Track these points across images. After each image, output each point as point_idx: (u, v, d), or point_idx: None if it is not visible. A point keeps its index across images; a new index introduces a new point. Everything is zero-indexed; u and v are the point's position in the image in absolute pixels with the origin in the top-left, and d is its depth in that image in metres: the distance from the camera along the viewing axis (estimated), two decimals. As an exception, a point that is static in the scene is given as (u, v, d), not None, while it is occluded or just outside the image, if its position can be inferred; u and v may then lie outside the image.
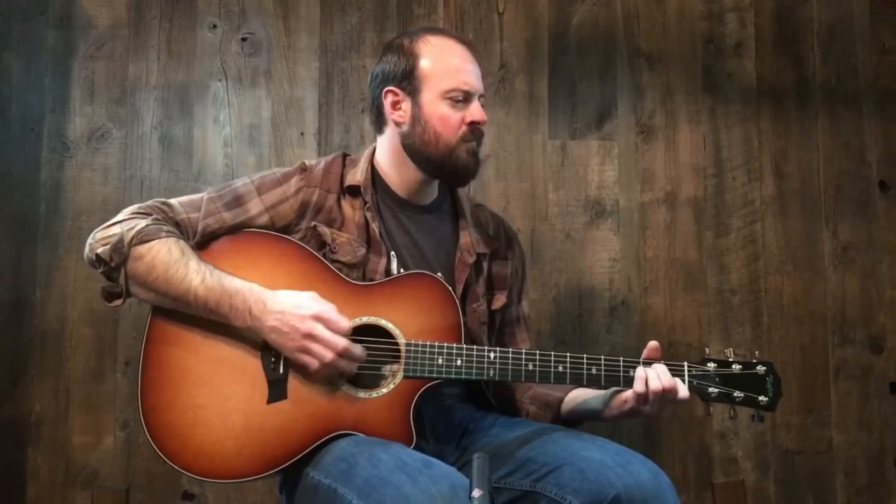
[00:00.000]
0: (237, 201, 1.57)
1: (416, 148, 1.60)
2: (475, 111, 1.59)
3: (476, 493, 1.12)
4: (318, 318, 1.40)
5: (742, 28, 2.47)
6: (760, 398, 1.49)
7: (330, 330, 1.40)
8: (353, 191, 1.62)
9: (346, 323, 1.42)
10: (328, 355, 1.40)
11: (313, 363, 1.41)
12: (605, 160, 2.41)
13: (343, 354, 1.41)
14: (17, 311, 2.24)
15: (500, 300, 1.73)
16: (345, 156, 1.69)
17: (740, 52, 2.46)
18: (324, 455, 1.39)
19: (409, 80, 1.59)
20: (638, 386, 1.44)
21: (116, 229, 1.47)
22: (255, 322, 1.42)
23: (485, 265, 1.71)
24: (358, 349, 1.43)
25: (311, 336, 1.40)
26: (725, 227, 2.41)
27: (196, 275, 1.44)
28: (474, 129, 1.60)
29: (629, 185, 2.40)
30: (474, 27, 2.42)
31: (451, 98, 1.57)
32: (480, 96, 1.62)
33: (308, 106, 2.37)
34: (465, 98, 1.58)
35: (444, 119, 1.57)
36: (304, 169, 1.63)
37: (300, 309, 1.41)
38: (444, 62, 1.58)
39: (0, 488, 2.19)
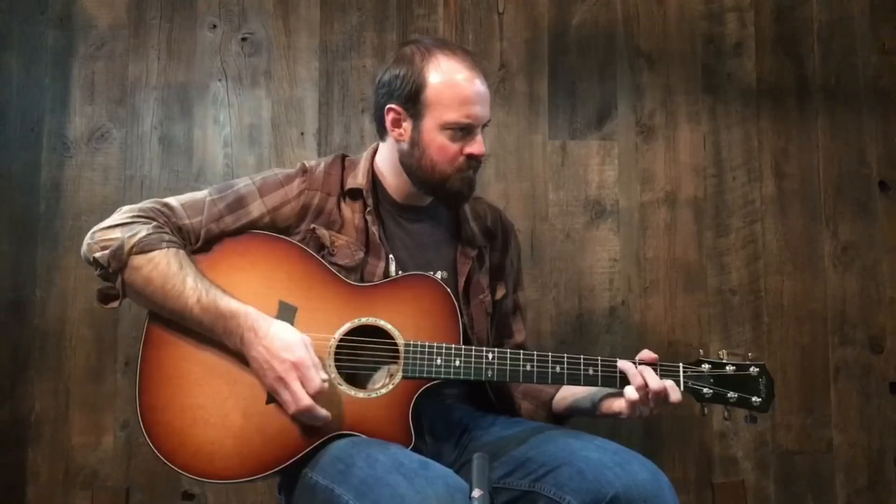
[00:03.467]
0: (239, 202, 1.57)
1: (412, 169, 1.60)
2: (475, 145, 1.56)
3: (476, 492, 1.12)
4: (295, 367, 1.39)
5: (742, 28, 2.46)
6: (753, 399, 1.50)
7: (302, 383, 1.38)
8: (354, 194, 1.62)
9: (318, 382, 1.39)
10: (292, 407, 1.39)
11: (282, 404, 1.42)
12: (605, 160, 2.41)
13: (305, 413, 1.39)
14: (17, 311, 2.24)
15: (500, 291, 1.75)
16: (343, 157, 1.69)
17: (740, 52, 2.45)
18: (322, 455, 1.39)
19: (412, 103, 1.56)
20: (629, 395, 1.45)
21: (117, 233, 1.46)
22: (243, 347, 1.43)
23: (486, 257, 1.72)
24: (321, 413, 1.39)
25: (282, 382, 1.39)
26: (725, 227, 2.41)
27: (192, 293, 1.43)
28: (472, 160, 1.58)
29: (629, 185, 2.40)
30: (474, 27, 2.41)
31: (451, 129, 1.54)
32: (486, 123, 1.60)
33: (308, 106, 2.37)
34: (467, 130, 1.56)
35: (442, 149, 1.56)
36: (304, 171, 1.63)
37: (284, 351, 1.39)
38: (451, 92, 1.54)
39: (0, 488, 2.20)
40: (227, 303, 1.44)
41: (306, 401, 1.38)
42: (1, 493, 2.19)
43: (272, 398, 1.43)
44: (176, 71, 2.35)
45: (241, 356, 1.45)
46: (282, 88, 2.37)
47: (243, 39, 2.37)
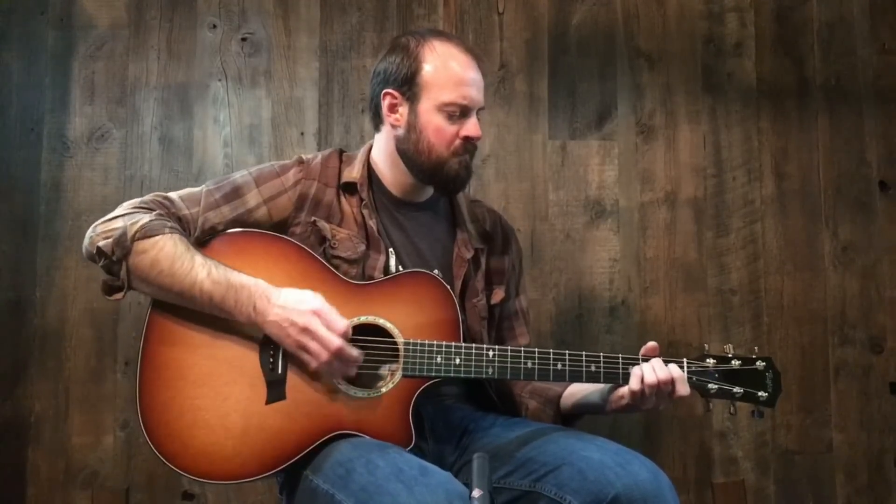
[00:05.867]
0: (236, 192, 1.57)
1: (409, 154, 1.60)
2: (471, 127, 1.58)
3: (476, 492, 1.12)
4: (316, 314, 1.40)
5: (742, 28, 2.46)
6: (760, 393, 1.49)
7: (326, 328, 1.40)
8: (350, 188, 1.63)
9: (343, 323, 1.41)
10: (324, 354, 1.39)
11: (311, 362, 1.41)
12: (605, 160, 2.41)
13: (337, 355, 1.40)
14: (17, 311, 2.24)
15: (498, 295, 1.73)
16: (341, 151, 1.69)
17: (740, 52, 2.46)
18: (323, 459, 1.38)
19: (409, 86, 1.58)
20: (634, 383, 1.44)
21: (119, 223, 1.46)
22: (258, 317, 1.42)
23: (482, 260, 1.71)
24: (354, 351, 1.42)
25: (307, 331, 1.39)
26: (725, 227, 2.41)
27: (202, 268, 1.43)
28: (468, 143, 1.59)
29: (629, 185, 2.40)
30: (474, 27, 2.42)
31: (448, 111, 1.56)
32: (480, 109, 1.61)
33: (308, 106, 2.37)
34: (463, 112, 1.57)
35: (438, 131, 1.57)
36: (301, 162, 1.63)
37: (301, 304, 1.41)
38: (446, 73, 1.56)
39: (0, 488, 2.19)
40: (238, 276, 1.44)
41: (337, 342, 1.39)
42: (1, 493, 2.19)
43: (272, 398, 1.43)
44: (176, 71, 2.35)
45: (241, 356, 1.45)
46: (282, 88, 2.37)
47: (243, 39, 2.37)
